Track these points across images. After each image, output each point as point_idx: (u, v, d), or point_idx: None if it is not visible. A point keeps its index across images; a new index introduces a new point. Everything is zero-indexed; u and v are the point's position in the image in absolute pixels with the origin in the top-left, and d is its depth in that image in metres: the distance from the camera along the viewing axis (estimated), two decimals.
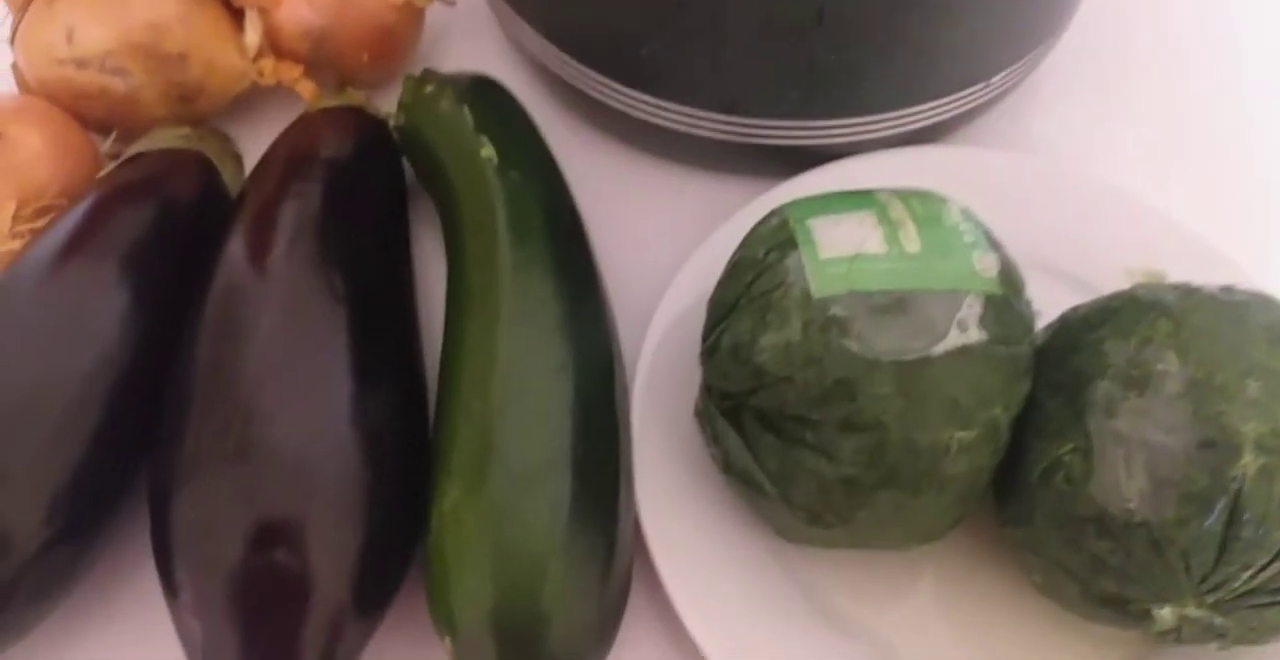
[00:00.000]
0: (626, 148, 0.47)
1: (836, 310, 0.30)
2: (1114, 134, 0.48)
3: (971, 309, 0.30)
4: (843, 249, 0.31)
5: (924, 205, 0.33)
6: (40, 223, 0.39)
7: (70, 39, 0.42)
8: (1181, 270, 0.37)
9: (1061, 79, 0.49)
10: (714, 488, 0.37)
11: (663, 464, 0.37)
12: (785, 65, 0.39)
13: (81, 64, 0.42)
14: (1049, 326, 0.34)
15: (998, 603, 0.36)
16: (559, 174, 0.42)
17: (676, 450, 0.38)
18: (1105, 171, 0.45)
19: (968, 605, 0.36)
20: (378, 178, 0.43)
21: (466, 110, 0.42)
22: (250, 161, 0.45)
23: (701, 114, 0.42)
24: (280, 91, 0.46)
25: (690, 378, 0.38)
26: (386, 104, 0.47)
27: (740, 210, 0.42)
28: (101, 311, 0.36)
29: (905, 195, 0.34)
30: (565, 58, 0.44)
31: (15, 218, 0.39)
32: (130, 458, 0.36)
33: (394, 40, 0.46)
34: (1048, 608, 0.34)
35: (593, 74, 0.44)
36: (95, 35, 0.42)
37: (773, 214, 0.35)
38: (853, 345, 0.30)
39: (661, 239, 0.45)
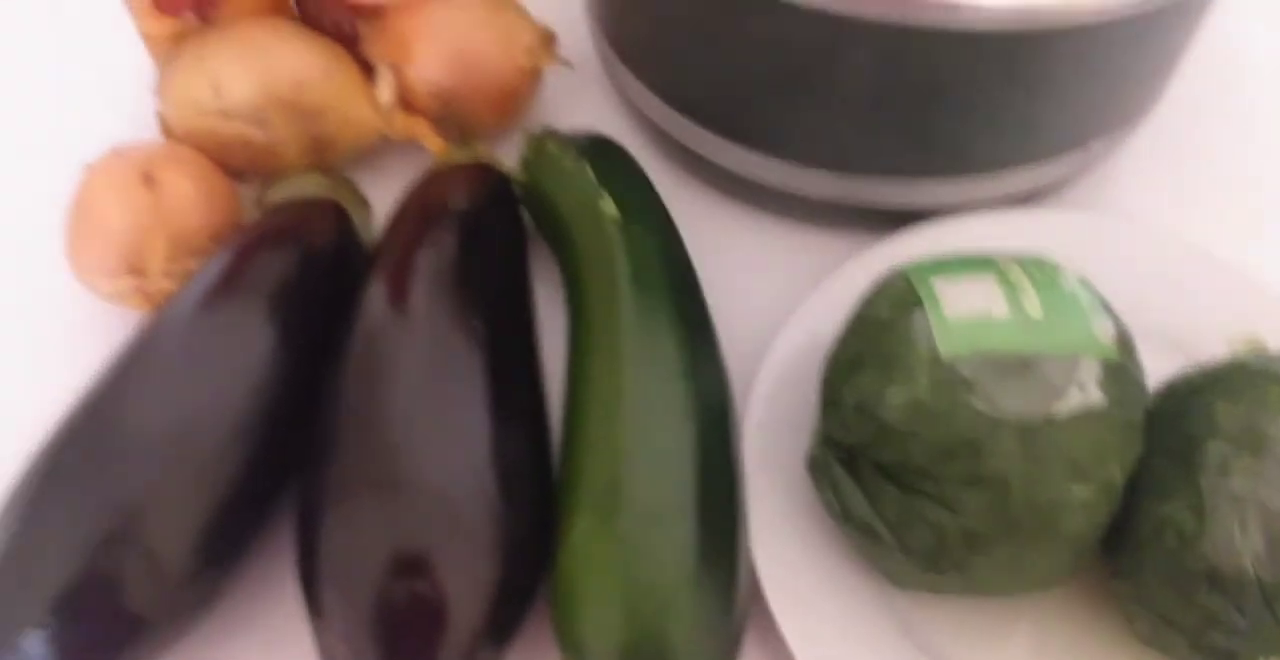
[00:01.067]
0: (732, 201, 0.50)
1: (963, 370, 0.32)
2: (1208, 198, 0.50)
3: (1091, 372, 0.32)
4: (968, 311, 0.33)
5: (1041, 271, 0.35)
6: (189, 264, 0.42)
7: (218, 92, 0.45)
8: (1274, 333, 0.39)
9: (1157, 143, 0.51)
10: (821, 531, 0.39)
11: (772, 507, 0.39)
12: (896, 130, 0.42)
13: (227, 116, 0.45)
14: (1157, 392, 0.36)
15: (1095, 651, 0.38)
16: (674, 228, 0.44)
17: (785, 494, 0.40)
18: (1198, 235, 0.47)
19: (1065, 651, 0.38)
20: (504, 229, 0.45)
21: (588, 168, 0.44)
22: (376, 207, 0.48)
23: (810, 173, 0.45)
24: (403, 143, 0.49)
25: (797, 425, 0.40)
26: (504, 154, 0.49)
27: (845, 264, 0.44)
28: (249, 351, 0.39)
29: (1022, 260, 0.36)
30: (675, 115, 0.47)
31: (166, 259, 0.41)
32: (273, 489, 0.39)
33: (515, 98, 0.49)
34: (1145, 658, 0.36)
35: (702, 132, 0.46)
36: (242, 90, 0.45)
37: (894, 275, 0.36)
38: (979, 404, 0.31)
39: (765, 290, 0.47)
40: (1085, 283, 0.36)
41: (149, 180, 0.42)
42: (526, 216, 0.47)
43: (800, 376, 0.41)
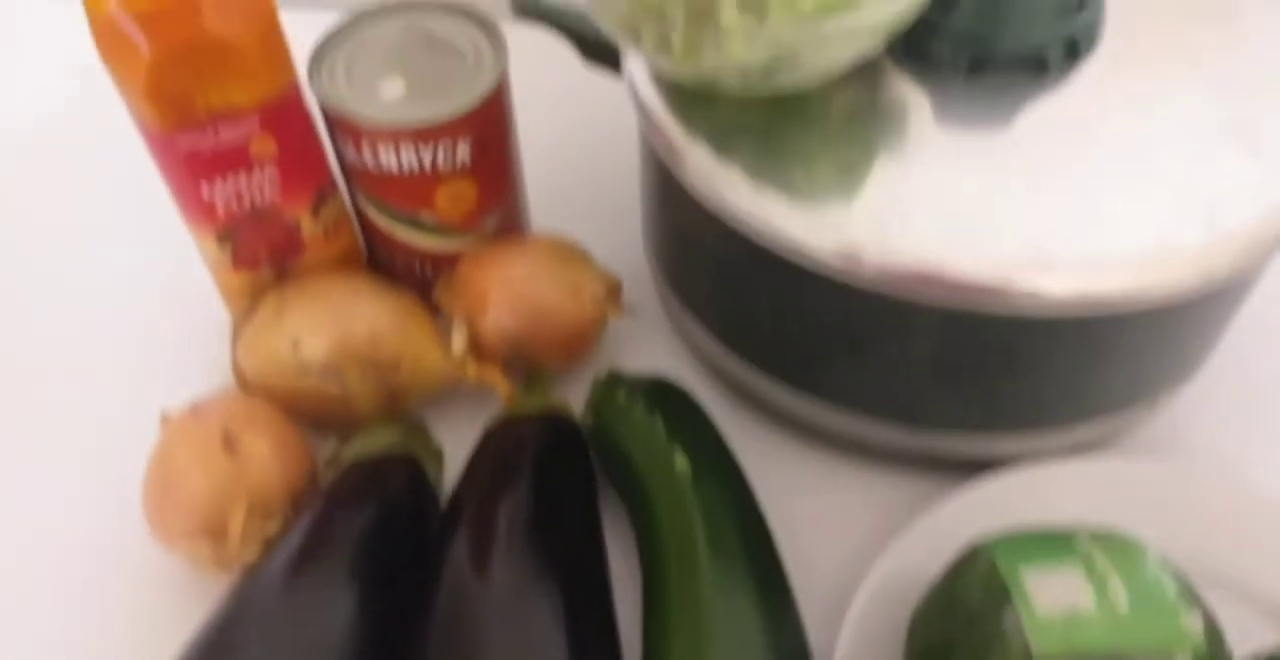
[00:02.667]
0: (799, 440, 0.50)
1: None
2: (1264, 439, 0.50)
3: None
4: (1057, 605, 0.33)
5: (1125, 556, 0.35)
6: (268, 527, 0.42)
7: (296, 350, 0.46)
8: None
9: (1222, 386, 0.51)
10: None
11: None
12: (964, 394, 0.42)
13: (304, 371, 0.46)
14: None
15: None
16: (745, 482, 0.44)
17: None
18: (1265, 478, 0.47)
19: None
20: (576, 477, 0.45)
21: (659, 421, 0.45)
22: (445, 449, 0.49)
23: (876, 425, 0.45)
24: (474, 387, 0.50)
25: None
26: (571, 393, 0.50)
27: (917, 520, 0.44)
28: (335, 618, 0.39)
29: (1105, 544, 0.36)
30: (737, 361, 0.48)
31: (246, 523, 0.42)
32: None
33: (582, 342, 0.50)
34: None
35: (766, 380, 0.47)
36: (319, 346, 0.46)
37: (979, 554, 0.36)
38: None
39: (836, 536, 0.47)
40: (1165, 565, 0.35)
41: (229, 443, 0.43)
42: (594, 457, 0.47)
43: (879, 636, 0.41)
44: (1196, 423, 0.50)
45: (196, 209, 0.46)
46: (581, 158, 0.61)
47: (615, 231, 0.56)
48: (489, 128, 0.48)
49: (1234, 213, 0.38)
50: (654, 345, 0.54)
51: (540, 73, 0.53)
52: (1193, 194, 0.38)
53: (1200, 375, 0.49)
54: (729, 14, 0.36)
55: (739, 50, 0.37)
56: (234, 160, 0.44)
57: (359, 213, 0.51)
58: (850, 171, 0.40)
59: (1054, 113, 0.41)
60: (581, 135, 0.62)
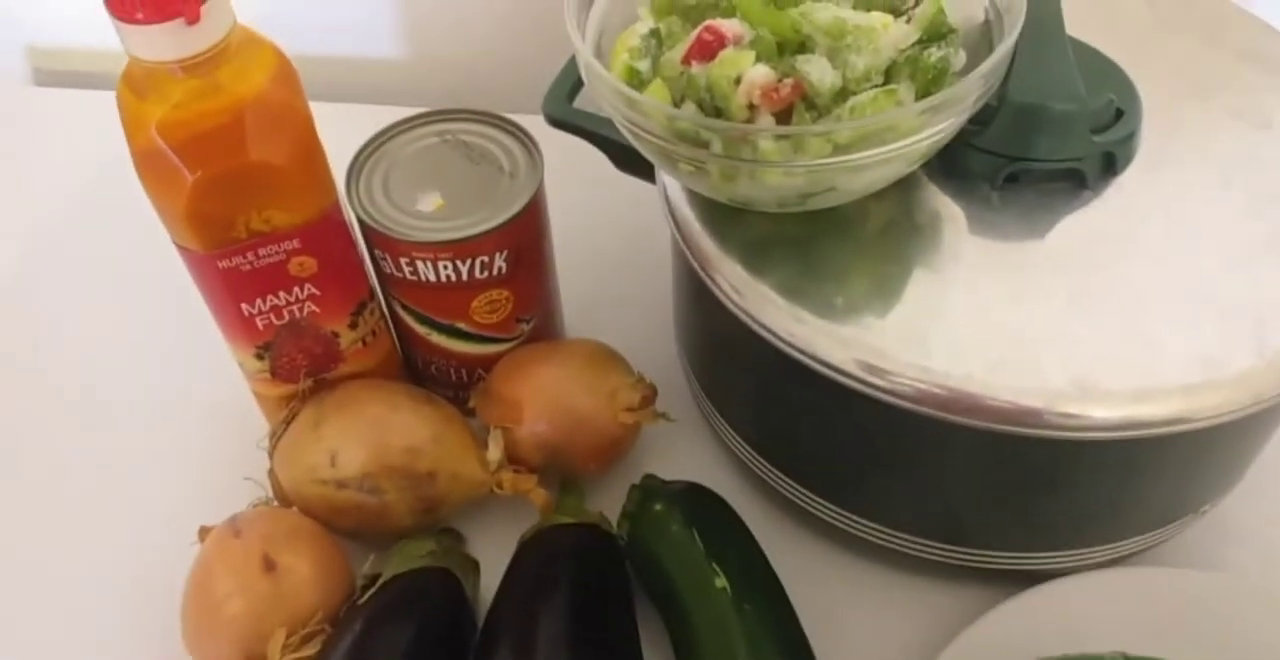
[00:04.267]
0: (838, 547, 0.49)
1: None
2: None
3: None
4: None
5: None
6: (306, 650, 0.42)
7: (334, 462, 0.46)
8: None
9: (1250, 492, 0.50)
10: None
11: None
12: (1008, 514, 0.42)
13: (341, 485, 0.46)
14: None
15: None
16: (786, 601, 0.44)
17: None
18: None
19: None
20: (612, 589, 0.45)
21: (696, 535, 0.44)
22: (481, 558, 0.49)
23: (917, 540, 0.45)
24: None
25: None
26: (606, 498, 0.50)
27: (958, 640, 0.43)
28: None
29: None
30: (776, 473, 0.47)
31: (284, 646, 0.42)
32: None
33: (617, 449, 0.50)
34: None
35: (804, 492, 0.47)
36: (356, 459, 0.46)
37: None
38: None
39: (879, 646, 0.46)
40: None
41: (269, 565, 0.43)
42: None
43: None
44: (1242, 524, 0.49)
45: (235, 325, 0.46)
46: (618, 259, 0.62)
47: (651, 334, 0.56)
48: (525, 238, 0.49)
49: (1278, 332, 0.37)
50: (691, 449, 0.53)
51: (575, 174, 0.53)
52: (1236, 313, 0.38)
53: (1246, 478, 0.48)
54: (766, 143, 0.37)
55: (776, 179, 0.38)
56: (274, 279, 0.45)
57: (395, 319, 0.51)
58: (884, 288, 0.40)
59: (1092, 228, 0.41)
60: (617, 237, 0.63)
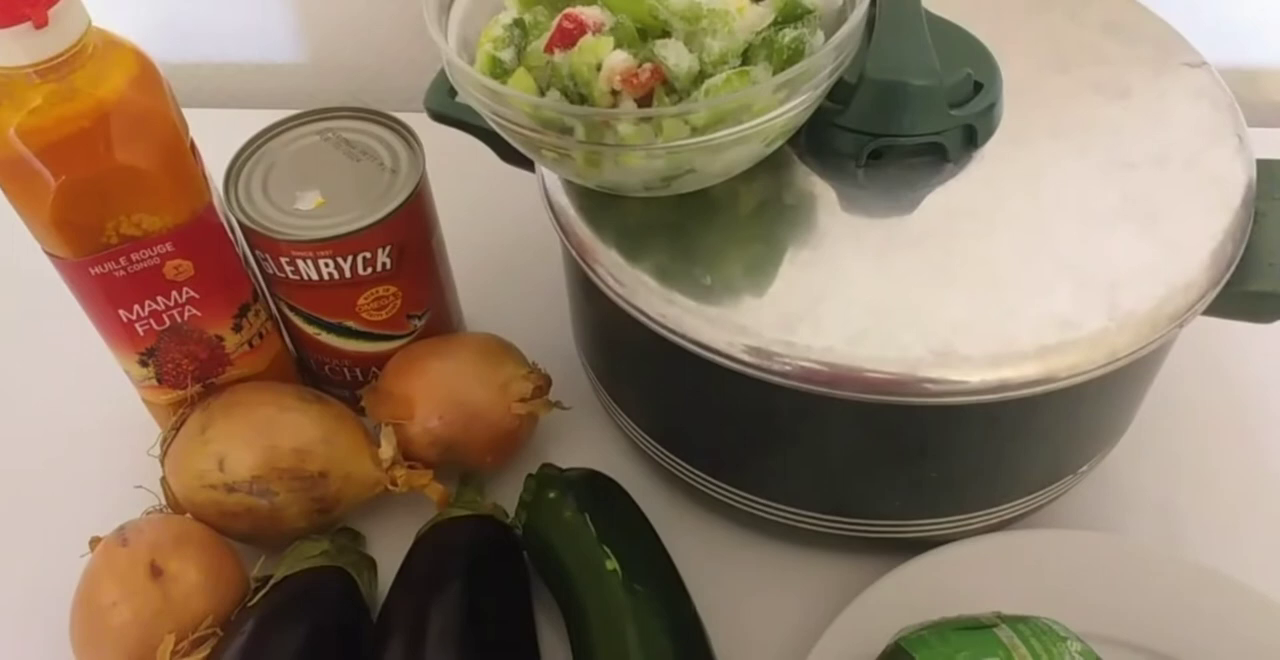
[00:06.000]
0: (730, 524, 0.50)
1: None
2: (1187, 504, 0.51)
3: None
4: None
5: (1044, 645, 0.35)
6: (196, 654, 0.42)
7: (222, 467, 0.46)
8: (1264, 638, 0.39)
9: (1137, 454, 0.51)
10: None
11: None
12: (889, 482, 0.43)
13: (231, 489, 0.46)
14: None
15: None
16: (678, 581, 0.44)
17: None
18: (1181, 543, 0.47)
19: None
20: (507, 580, 0.46)
21: (588, 519, 0.45)
22: (380, 556, 0.49)
23: (806, 513, 0.45)
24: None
25: None
26: (504, 491, 0.50)
27: (845, 611, 0.44)
28: None
29: (1024, 633, 0.36)
30: (669, 456, 0.48)
31: (173, 652, 0.41)
32: None
33: (513, 440, 0.50)
34: None
35: (697, 472, 0.47)
36: (245, 462, 0.46)
37: (899, 654, 0.37)
38: None
39: (772, 620, 0.47)
40: (1088, 653, 0.36)
41: (156, 572, 0.42)
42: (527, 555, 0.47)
43: None
44: (1132, 483, 0.51)
45: (115, 332, 0.46)
46: (516, 251, 0.62)
47: (552, 323, 0.56)
48: (409, 233, 0.49)
49: (1131, 294, 0.38)
50: (590, 436, 0.54)
51: (467, 168, 0.54)
52: (1090, 277, 0.39)
53: (1126, 440, 0.50)
54: (626, 127, 0.37)
55: (637, 162, 0.38)
56: (150, 284, 0.44)
57: (285, 321, 0.51)
58: (754, 268, 0.40)
59: (953, 200, 0.42)
60: (514, 229, 0.63)
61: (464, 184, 0.56)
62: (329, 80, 0.77)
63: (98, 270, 0.43)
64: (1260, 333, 0.43)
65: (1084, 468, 0.46)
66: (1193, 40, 0.47)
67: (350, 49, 0.76)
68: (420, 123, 0.51)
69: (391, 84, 0.77)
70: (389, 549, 0.49)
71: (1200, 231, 0.40)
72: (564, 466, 0.49)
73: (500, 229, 0.63)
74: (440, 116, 0.51)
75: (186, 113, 0.44)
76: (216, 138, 0.48)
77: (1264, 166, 0.43)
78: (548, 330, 0.56)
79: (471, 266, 0.57)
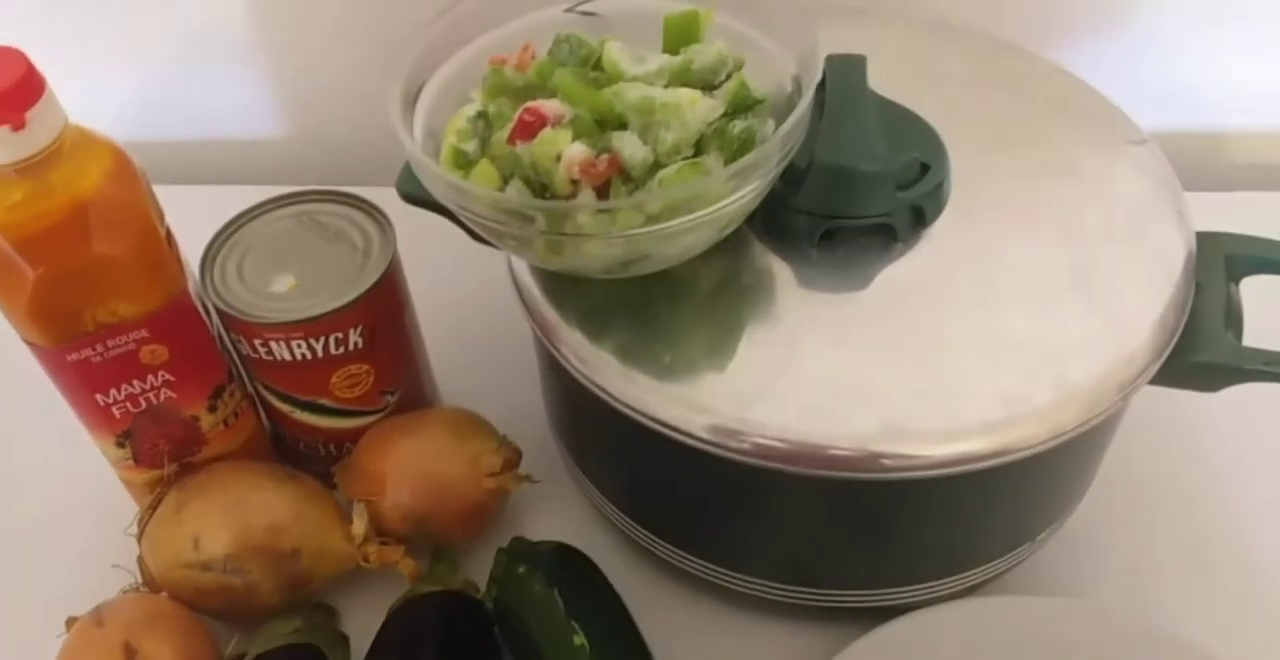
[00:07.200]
0: (703, 597, 0.51)
1: None
2: (1151, 566, 0.52)
3: None
4: None
5: None
6: None
7: (197, 546, 0.47)
8: None
9: (1097, 518, 0.52)
10: None
11: None
12: (851, 553, 0.44)
13: (206, 567, 0.46)
14: None
15: None
16: (647, 654, 0.45)
17: None
18: (1147, 604, 0.48)
19: None
20: (478, 656, 0.46)
21: (557, 594, 0.46)
22: (353, 631, 0.49)
23: (772, 584, 0.46)
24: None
25: None
26: (476, 566, 0.51)
27: None
28: None
29: None
30: (638, 529, 0.49)
31: None
32: None
33: (484, 514, 0.51)
34: None
35: (665, 545, 0.48)
36: (219, 541, 0.46)
37: None
38: None
39: None
40: None
41: (130, 653, 0.43)
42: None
43: None
44: (1095, 545, 0.52)
45: (92, 416, 0.47)
46: (487, 325, 0.62)
47: (524, 397, 0.57)
48: (381, 312, 0.50)
49: (1077, 368, 0.40)
50: (563, 509, 0.54)
51: (439, 246, 0.55)
52: (1038, 351, 0.40)
53: (1090, 503, 0.51)
54: (584, 217, 0.38)
55: (595, 250, 0.39)
56: (126, 369, 0.45)
57: (261, 399, 0.52)
58: (712, 346, 0.42)
59: (903, 279, 0.43)
60: (486, 303, 0.63)
61: (437, 260, 0.57)
62: (307, 154, 0.79)
63: (75, 357, 0.44)
64: (1213, 398, 0.44)
65: (1042, 535, 0.47)
66: (1143, 106, 0.49)
67: (329, 123, 0.77)
68: (396, 197, 0.52)
69: (369, 153, 0.78)
70: (362, 624, 0.49)
71: (1143, 304, 0.42)
72: (536, 539, 0.50)
73: (473, 303, 0.64)
74: (412, 199, 0.52)
75: (165, 190, 0.46)
76: (195, 215, 0.50)
77: (1204, 239, 0.45)
78: (520, 402, 0.57)
79: (445, 340, 0.59)
